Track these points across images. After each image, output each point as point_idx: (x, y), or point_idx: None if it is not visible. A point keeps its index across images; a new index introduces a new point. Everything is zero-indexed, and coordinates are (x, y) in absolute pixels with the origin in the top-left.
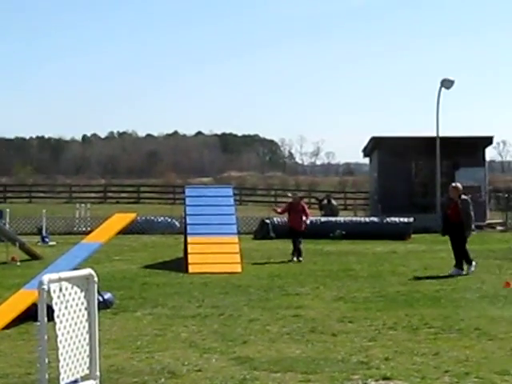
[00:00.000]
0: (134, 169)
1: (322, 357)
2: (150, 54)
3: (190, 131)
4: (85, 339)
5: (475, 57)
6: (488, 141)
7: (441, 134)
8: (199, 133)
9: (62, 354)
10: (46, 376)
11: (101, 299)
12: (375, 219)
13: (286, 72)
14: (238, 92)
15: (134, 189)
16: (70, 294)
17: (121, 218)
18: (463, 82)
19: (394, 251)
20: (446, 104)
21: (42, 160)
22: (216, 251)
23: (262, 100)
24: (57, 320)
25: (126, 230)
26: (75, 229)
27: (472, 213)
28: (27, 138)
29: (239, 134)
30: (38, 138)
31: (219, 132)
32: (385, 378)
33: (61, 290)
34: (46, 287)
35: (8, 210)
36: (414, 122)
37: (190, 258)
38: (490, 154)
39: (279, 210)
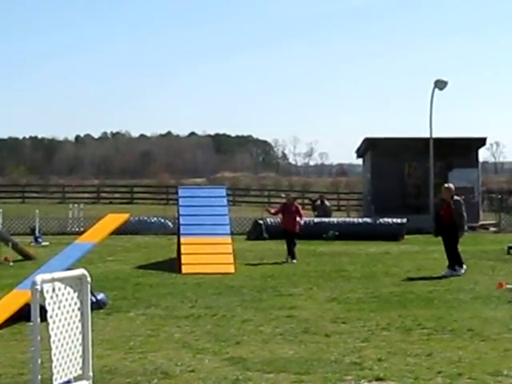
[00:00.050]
0: (128, 169)
1: (315, 357)
2: (143, 54)
3: (183, 132)
4: (78, 340)
5: (469, 58)
6: (481, 142)
7: (434, 135)
8: (192, 133)
9: (54, 355)
10: (39, 376)
11: (94, 300)
12: (368, 220)
13: (280, 73)
14: (232, 93)
15: (127, 189)
16: (63, 295)
17: (114, 219)
18: (457, 83)
19: (387, 252)
20: (439, 105)
21: (35, 160)
22: (209, 252)
23: (255, 101)
24: (50, 320)
25: (119, 231)
26: (68, 229)
27: (465, 213)
28: (20, 138)
29: (233, 134)
30: (31, 138)
31: (212, 132)
32: (378, 379)
33: (54, 290)
34: (39, 287)
35: (1, 210)
36: (407, 122)
37: (183, 259)
38: (484, 155)
39: (273, 211)
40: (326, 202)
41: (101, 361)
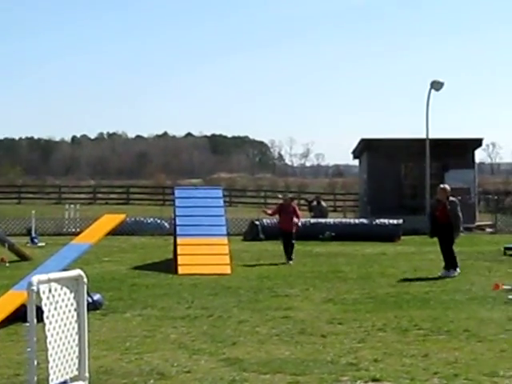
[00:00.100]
0: (124, 170)
1: (311, 358)
2: (140, 55)
3: (179, 132)
4: (74, 340)
5: (465, 59)
6: (477, 143)
7: (430, 136)
8: (189, 134)
9: (51, 355)
10: (35, 377)
11: (90, 300)
12: (364, 221)
13: (276, 73)
14: (228, 93)
15: (123, 190)
16: (59, 295)
17: (110, 219)
18: (453, 84)
19: (384, 253)
20: (435, 106)
21: (31, 161)
22: (205, 252)
23: (251, 101)
24: (46, 321)
25: (116, 231)
26: (64, 230)
27: (460, 214)
28: (17, 138)
29: (229, 135)
30: (27, 138)
31: (209, 133)
32: (374, 380)
33: (50, 291)
34: (35, 288)
35: None
36: (404, 123)
37: (180, 260)
38: (480, 155)
39: (269, 212)
40: (323, 203)
41: (97, 361)
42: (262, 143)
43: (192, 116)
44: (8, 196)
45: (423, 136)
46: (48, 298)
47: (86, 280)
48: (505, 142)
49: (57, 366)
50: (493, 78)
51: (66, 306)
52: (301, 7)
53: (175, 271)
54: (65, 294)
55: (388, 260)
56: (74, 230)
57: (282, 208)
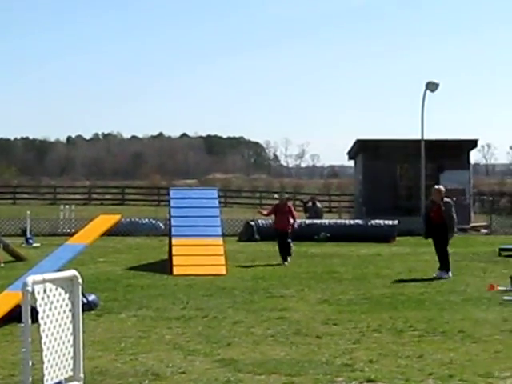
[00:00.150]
0: (119, 170)
1: (307, 359)
2: (135, 56)
3: (175, 133)
4: (69, 341)
5: (461, 60)
6: (472, 144)
7: (426, 137)
8: (184, 135)
9: (45, 356)
10: (30, 378)
11: (85, 301)
12: (360, 222)
13: (272, 74)
14: (224, 94)
15: (118, 190)
16: (54, 296)
17: (105, 220)
18: (448, 85)
19: (379, 254)
20: (431, 107)
21: (26, 161)
22: (201, 253)
23: (247, 102)
24: (41, 321)
25: (111, 232)
26: (59, 230)
27: (455, 215)
28: (12, 138)
29: (224, 135)
30: (22, 138)
31: (204, 134)
32: (369, 381)
33: (45, 291)
34: (30, 289)
35: None
36: (399, 124)
37: (175, 260)
38: (475, 157)
39: (265, 212)
40: (318, 204)
41: (92, 362)
42: (257, 144)
43: (187, 117)
44: (3, 196)
45: (418, 137)
46: (43, 298)
47: (80, 280)
48: (500, 143)
49: (51, 366)
50: (488, 79)
51: (61, 306)
52: (297, 8)
53: (170, 272)
54: (60, 294)
55: (383, 261)
56: (69, 230)
57: (278, 208)
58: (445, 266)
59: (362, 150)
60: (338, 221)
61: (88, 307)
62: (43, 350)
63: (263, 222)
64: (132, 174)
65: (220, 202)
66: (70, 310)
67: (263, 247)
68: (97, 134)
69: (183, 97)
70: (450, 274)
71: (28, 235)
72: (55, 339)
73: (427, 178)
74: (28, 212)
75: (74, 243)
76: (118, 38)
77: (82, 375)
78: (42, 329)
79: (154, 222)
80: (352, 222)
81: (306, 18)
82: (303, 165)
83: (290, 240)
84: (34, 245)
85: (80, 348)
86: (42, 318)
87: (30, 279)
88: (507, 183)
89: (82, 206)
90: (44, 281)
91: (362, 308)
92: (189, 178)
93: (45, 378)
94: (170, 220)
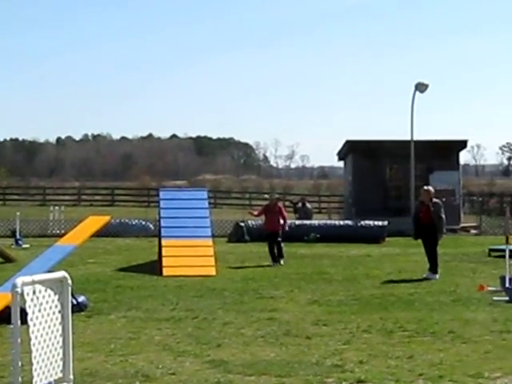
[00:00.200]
0: (109, 171)
1: (297, 360)
2: (125, 57)
3: (164, 134)
4: (58, 342)
5: (451, 61)
6: (462, 144)
7: (415, 138)
8: (174, 136)
9: (35, 357)
10: (20, 379)
11: (75, 302)
12: (349, 222)
13: (261, 75)
14: (213, 95)
15: (108, 191)
16: (43, 297)
17: (95, 221)
18: (438, 86)
19: (369, 254)
20: (420, 107)
21: (16, 162)
22: (190, 254)
23: (236, 103)
24: (30, 323)
25: (100, 233)
26: (49, 231)
27: (443, 216)
28: (1, 139)
29: (214, 136)
30: (11, 140)
31: (194, 135)
32: (359, 381)
33: (34, 292)
34: (19, 290)
35: None
36: (389, 125)
37: (165, 261)
38: (464, 157)
39: (255, 213)
40: (307, 205)
41: (81, 363)
42: (247, 145)
43: (177, 118)
44: None
45: (408, 138)
46: (32, 299)
47: (70, 282)
48: (489, 144)
49: (41, 368)
50: (477, 80)
51: (51, 307)
52: (288, 11)
53: (160, 273)
54: (49, 295)
55: (373, 261)
56: (58, 231)
57: (268, 208)
58: (433, 267)
59: (352, 150)
60: (328, 221)
61: (78, 308)
62: (32, 352)
63: (253, 222)
64: (122, 175)
65: (210, 203)
66: (59, 312)
67: (253, 248)
68: (86, 135)
69: (173, 98)
70: (437, 276)
71: (17, 236)
72: (45, 341)
73: (417, 178)
74: (17, 213)
75: (64, 244)
76: (108, 41)
77: (71, 377)
78: (31, 330)
79: (143, 223)
80: (342, 222)
81: (295, 20)
82: (293, 166)
83: (280, 239)
84: (24, 246)
85: (70, 349)
86: (32, 320)
87: (19, 280)
88: (497, 184)
89: (71, 207)
90: (33, 282)
91: (351, 309)
92: (178, 179)
93: (34, 380)
94: (159, 221)
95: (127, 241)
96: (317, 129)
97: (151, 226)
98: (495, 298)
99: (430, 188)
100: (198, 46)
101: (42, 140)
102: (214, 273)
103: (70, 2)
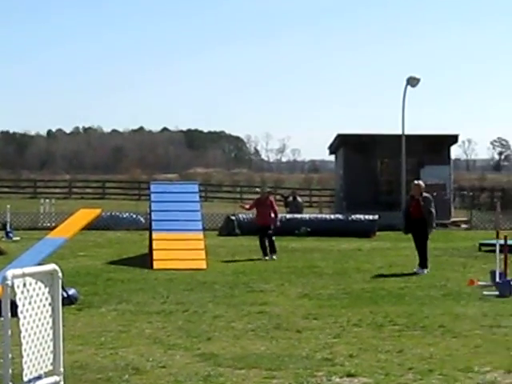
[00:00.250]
0: (99, 164)
1: (287, 353)
2: (116, 50)
3: (155, 127)
4: (49, 335)
5: (442, 55)
6: (453, 139)
7: (406, 132)
8: (165, 129)
9: (25, 350)
10: (10, 372)
11: (65, 295)
12: (340, 216)
13: (252, 69)
14: (205, 88)
15: (99, 184)
16: (34, 290)
17: (85, 214)
18: (429, 80)
19: (359, 248)
20: (412, 102)
21: (6, 155)
22: (181, 247)
23: (228, 96)
24: (20, 316)
25: (91, 226)
26: (40, 224)
27: (433, 210)
28: None
29: (205, 130)
30: (2, 132)
31: (185, 128)
32: (349, 375)
33: (25, 285)
34: (9, 282)
35: None
36: (380, 119)
37: (155, 254)
38: (455, 152)
39: (247, 206)
40: (298, 198)
41: (72, 356)
42: (238, 138)
43: (168, 111)
44: None
45: (399, 132)
46: (22, 292)
47: (60, 274)
48: (480, 139)
49: (31, 360)
50: (469, 74)
51: (41, 300)
52: (278, 3)
53: (150, 266)
54: (39, 288)
55: (363, 255)
56: (49, 224)
57: (260, 202)
58: (422, 262)
59: (343, 144)
60: (319, 215)
61: (68, 301)
62: (23, 345)
63: (244, 216)
64: (112, 168)
65: (201, 197)
66: (49, 304)
67: (244, 242)
68: (77, 128)
69: (164, 91)
70: (426, 271)
71: (8, 229)
72: (35, 333)
73: (408, 172)
74: (8, 206)
75: (54, 237)
76: (98, 32)
77: (61, 369)
78: (21, 323)
79: (134, 216)
80: (332, 216)
81: (286, 14)
82: (284, 159)
83: (270, 232)
84: (14, 239)
85: (60, 342)
86: (22, 312)
87: (9, 273)
88: (487, 178)
89: (62, 199)
90: (24, 275)
91: (342, 303)
92: (169, 173)
93: (24, 373)
94: (150, 214)
95: (118, 234)
96: (308, 122)
97: (142, 219)
98: (485, 293)
99: (421, 182)
100: (190, 39)
101: (32, 133)
102: (204, 266)
103: None
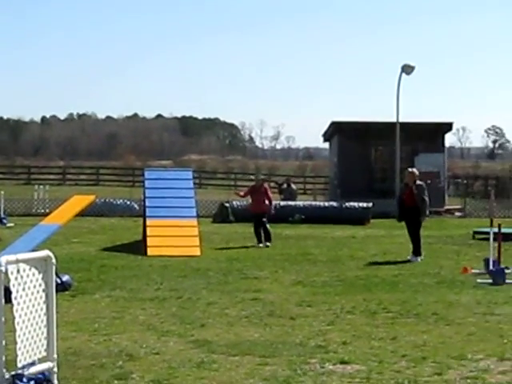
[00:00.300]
0: (94, 151)
1: (280, 340)
2: (109, 35)
3: (150, 114)
4: (42, 321)
5: (437, 43)
6: (448, 127)
7: (401, 120)
8: (159, 115)
9: (19, 336)
10: (3, 358)
11: (59, 281)
12: (334, 204)
13: (247, 56)
14: (199, 75)
15: (93, 171)
16: (27, 276)
17: (79, 200)
18: (424, 68)
19: (353, 236)
20: (406, 89)
21: (0, 141)
22: (175, 234)
23: (222, 83)
24: (14, 302)
25: (85, 212)
26: (33, 210)
27: (427, 198)
28: None
29: (199, 117)
30: None
31: (179, 115)
32: (342, 362)
33: (18, 271)
34: (3, 269)
35: None
36: (375, 107)
37: (149, 241)
38: (450, 140)
39: (242, 194)
40: (293, 186)
41: (65, 343)
42: (232, 125)
43: (162, 97)
44: None
45: (394, 120)
46: (16, 278)
47: (54, 261)
48: (475, 127)
49: (25, 347)
50: (463, 62)
51: (35, 286)
52: None
53: (144, 253)
54: (33, 274)
55: (357, 243)
56: (43, 210)
57: (254, 189)
58: (416, 250)
59: (337, 132)
60: (313, 203)
61: (62, 288)
62: (17, 331)
63: (238, 203)
64: (107, 155)
65: (195, 184)
66: (43, 291)
67: (238, 229)
68: (71, 114)
69: (159, 78)
70: (419, 259)
71: (2, 215)
72: (29, 320)
73: (402, 160)
74: (2, 192)
75: (48, 223)
76: (93, 18)
77: (55, 356)
78: (15, 309)
79: (128, 202)
80: (327, 204)
81: (281, 2)
82: (278, 146)
83: (265, 220)
84: (8, 225)
85: (54, 328)
86: (16, 299)
87: (3, 259)
88: (482, 166)
89: (56, 186)
90: (17, 261)
91: (336, 290)
92: (164, 159)
93: (18, 359)
94: (144, 201)
95: (112, 220)
96: (302, 110)
97: (136, 205)
98: (479, 281)
99: (415, 170)
100: (185, 26)
101: (26, 119)
102: (198, 253)
103: None
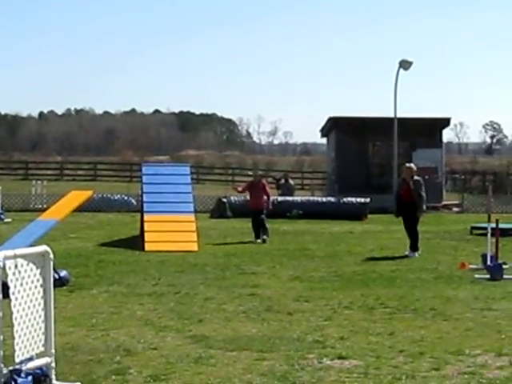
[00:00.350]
0: (91, 146)
1: (278, 336)
2: (107, 30)
3: (147, 109)
4: (40, 316)
5: (435, 38)
6: (445, 122)
7: (398, 115)
8: (157, 111)
9: (17, 332)
10: (1, 353)
11: (56, 277)
12: (332, 199)
13: (245, 51)
14: (197, 70)
15: (90, 166)
16: (25, 271)
17: (77, 196)
18: (422, 63)
19: (351, 231)
20: (404, 85)
21: None
22: (173, 229)
23: (220, 79)
24: (12, 297)
25: (83, 208)
26: (31, 206)
27: (424, 193)
28: None
29: (197, 112)
30: None
31: (177, 110)
32: (340, 357)
33: (16, 266)
34: (1, 264)
35: None
36: (372, 102)
37: (147, 236)
38: (447, 135)
39: (240, 189)
40: (290, 181)
41: (63, 338)
42: (230, 121)
43: (160, 93)
44: None
45: (391, 115)
46: (14, 273)
47: (52, 256)
48: (472, 122)
49: (23, 342)
50: (461, 58)
51: (33, 282)
52: None
53: (142, 248)
54: (31, 269)
55: (355, 238)
56: (40, 206)
57: (252, 185)
58: (413, 245)
59: (335, 127)
60: (311, 198)
61: (59, 283)
62: (14, 326)
63: (235, 198)
64: (104, 150)
65: (192, 179)
66: (41, 286)
67: (235, 224)
68: (69, 110)
69: (156, 73)
70: (417, 254)
71: None
72: (26, 315)
73: (400, 156)
74: None
75: (46, 219)
76: (91, 14)
77: (53, 351)
78: (13, 304)
79: (126, 198)
80: (324, 199)
81: None
82: (276, 142)
83: (263, 216)
84: (6, 220)
85: (51, 324)
86: (14, 294)
87: (1, 254)
88: (479, 162)
89: (53, 181)
90: (15, 256)
91: (333, 285)
92: (161, 155)
93: (16, 354)
94: (142, 196)
95: (109, 216)
96: (300, 105)
97: (133, 201)
98: (476, 276)
99: (412, 165)
100: (182, 21)
101: (24, 114)
102: (196, 248)
103: None
